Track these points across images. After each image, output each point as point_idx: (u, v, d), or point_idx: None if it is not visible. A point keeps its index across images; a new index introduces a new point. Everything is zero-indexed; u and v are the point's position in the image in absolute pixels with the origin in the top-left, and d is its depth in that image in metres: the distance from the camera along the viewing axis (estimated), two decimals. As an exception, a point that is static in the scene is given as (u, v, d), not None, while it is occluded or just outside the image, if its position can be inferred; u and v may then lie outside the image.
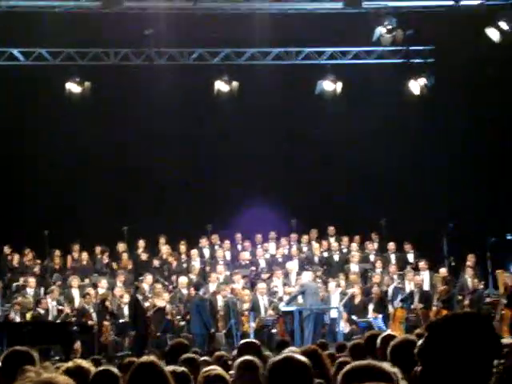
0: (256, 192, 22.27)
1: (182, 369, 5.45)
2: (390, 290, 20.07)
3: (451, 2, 18.90)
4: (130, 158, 22.78)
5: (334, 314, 19.48)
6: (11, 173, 22.27)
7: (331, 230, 22.86)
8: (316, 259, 22.09)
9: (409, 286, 20.13)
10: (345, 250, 22.39)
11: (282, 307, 19.47)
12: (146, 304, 18.91)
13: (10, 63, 21.33)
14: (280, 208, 22.32)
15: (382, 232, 22.47)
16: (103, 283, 20.01)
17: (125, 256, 21.50)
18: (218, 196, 22.74)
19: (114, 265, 21.61)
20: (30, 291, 19.76)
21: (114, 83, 21.56)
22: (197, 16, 19.43)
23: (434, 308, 19.24)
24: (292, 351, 5.88)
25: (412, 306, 19.40)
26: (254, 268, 21.65)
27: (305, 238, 22.62)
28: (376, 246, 22.53)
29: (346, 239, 22.49)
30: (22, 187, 22.28)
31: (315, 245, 22.43)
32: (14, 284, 20.50)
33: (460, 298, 19.81)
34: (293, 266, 21.26)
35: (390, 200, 22.40)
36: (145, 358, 4.82)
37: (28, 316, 18.56)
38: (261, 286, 19.88)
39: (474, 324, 2.83)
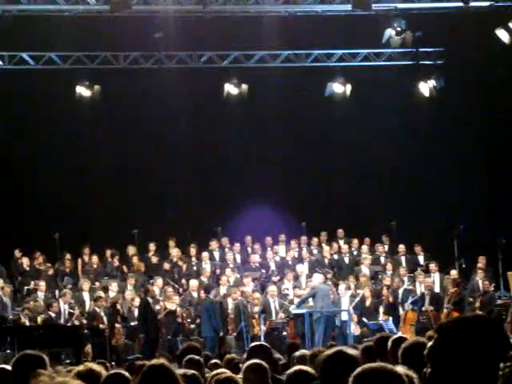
0: (266, 194, 22.26)
1: (192, 371, 5.45)
2: (401, 292, 20.01)
3: (461, 4, 18.87)
4: (141, 160, 22.81)
5: (344, 316, 19.42)
6: (23, 176, 22.31)
7: (341, 232, 22.83)
8: (326, 262, 22.05)
9: (419, 288, 20.04)
10: (355, 253, 22.36)
11: (293, 310, 19.42)
12: (157, 307, 18.90)
13: (21, 67, 21.41)
14: (290, 210, 22.30)
15: (393, 234, 22.41)
16: (114, 286, 19.99)
17: (136, 259, 21.49)
18: (228, 198, 22.73)
19: (125, 268, 21.63)
20: (41, 295, 19.79)
21: (123, 86, 21.61)
22: (206, 19, 19.46)
23: (445, 310, 19.16)
24: (303, 354, 5.88)
25: (423, 308, 19.31)
26: (264, 271, 21.61)
27: (315, 240, 22.58)
28: (386, 248, 22.47)
29: (355, 241, 22.46)
30: (35, 190, 22.27)
31: (325, 247, 22.41)
32: (25, 287, 20.55)
33: (471, 299, 19.71)
34: (303, 268, 21.22)
35: (401, 202, 22.37)
36: (155, 361, 4.81)
37: (39, 320, 18.58)
38: (272, 288, 19.82)
39: (484, 327, 2.82)
